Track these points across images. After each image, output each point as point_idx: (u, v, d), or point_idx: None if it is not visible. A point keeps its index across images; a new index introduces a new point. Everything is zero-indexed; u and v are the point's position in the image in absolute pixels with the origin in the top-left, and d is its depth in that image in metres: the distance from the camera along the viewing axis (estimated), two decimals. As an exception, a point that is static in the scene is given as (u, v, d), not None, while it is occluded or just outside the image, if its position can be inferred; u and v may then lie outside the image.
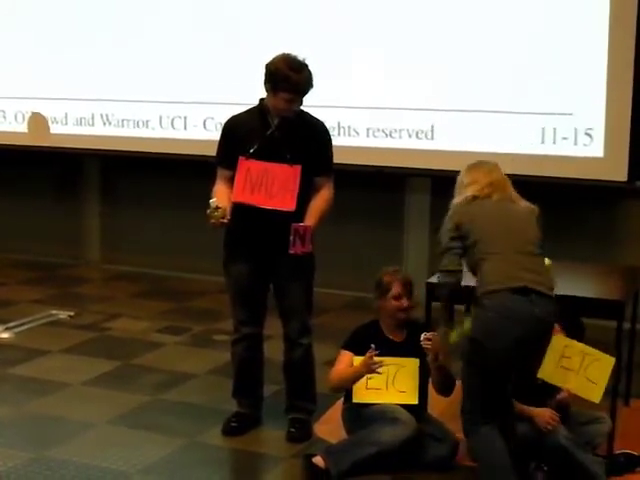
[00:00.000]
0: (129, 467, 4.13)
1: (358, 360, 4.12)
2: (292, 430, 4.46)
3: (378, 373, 4.07)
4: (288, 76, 4.15)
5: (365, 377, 4.10)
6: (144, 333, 6.08)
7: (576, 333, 4.04)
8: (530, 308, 3.59)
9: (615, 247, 6.33)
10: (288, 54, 4.23)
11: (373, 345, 4.04)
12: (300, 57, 4.22)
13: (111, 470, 4.09)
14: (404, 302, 4.17)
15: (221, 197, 4.26)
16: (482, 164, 3.97)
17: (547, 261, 4.70)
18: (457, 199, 3.87)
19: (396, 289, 4.17)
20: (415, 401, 4.13)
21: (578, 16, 5.90)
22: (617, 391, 4.16)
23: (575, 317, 4.15)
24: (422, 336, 4.01)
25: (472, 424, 3.73)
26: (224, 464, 4.38)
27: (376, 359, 4.02)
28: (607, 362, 3.93)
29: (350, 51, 6.46)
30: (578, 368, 3.92)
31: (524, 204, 3.88)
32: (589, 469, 3.85)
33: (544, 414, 3.92)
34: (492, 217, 3.78)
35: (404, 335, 4.24)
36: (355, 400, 4.16)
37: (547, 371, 3.84)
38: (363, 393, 4.15)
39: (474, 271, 3.75)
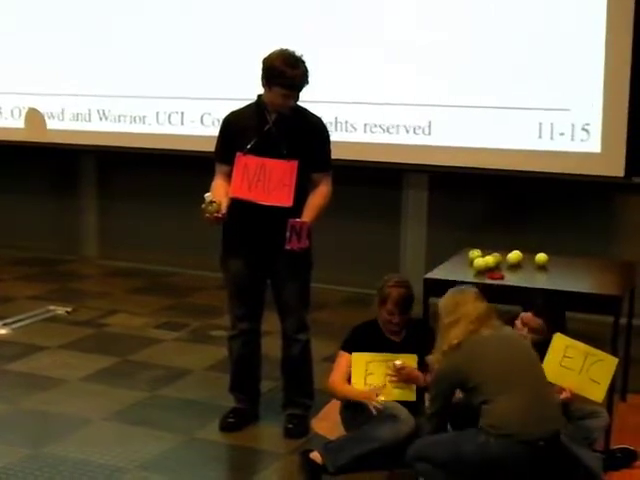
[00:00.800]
0: (127, 463, 4.12)
1: (356, 358, 4.11)
2: (289, 426, 4.45)
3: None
4: (283, 71, 4.14)
5: (364, 375, 4.10)
6: (142, 329, 6.08)
7: (558, 324, 4.03)
8: (531, 464, 3.50)
9: (612, 242, 6.33)
10: (285, 49, 4.21)
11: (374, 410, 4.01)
12: (297, 53, 4.20)
13: (108, 466, 4.09)
14: (395, 318, 4.16)
15: (217, 192, 4.26)
16: (459, 296, 3.74)
17: (544, 256, 4.73)
18: (442, 343, 3.66)
19: (390, 305, 4.14)
20: (414, 398, 4.10)
21: (576, 12, 5.89)
22: (614, 386, 4.16)
23: (558, 309, 4.14)
24: (393, 364, 4.06)
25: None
26: (221, 460, 4.38)
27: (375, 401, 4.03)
28: (610, 362, 3.93)
29: (348, 47, 6.45)
30: (580, 368, 3.92)
31: (515, 332, 3.78)
32: (586, 464, 3.84)
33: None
34: (491, 356, 3.60)
35: (403, 335, 4.23)
36: (354, 397, 4.15)
37: (549, 371, 3.81)
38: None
39: (479, 412, 3.54)
